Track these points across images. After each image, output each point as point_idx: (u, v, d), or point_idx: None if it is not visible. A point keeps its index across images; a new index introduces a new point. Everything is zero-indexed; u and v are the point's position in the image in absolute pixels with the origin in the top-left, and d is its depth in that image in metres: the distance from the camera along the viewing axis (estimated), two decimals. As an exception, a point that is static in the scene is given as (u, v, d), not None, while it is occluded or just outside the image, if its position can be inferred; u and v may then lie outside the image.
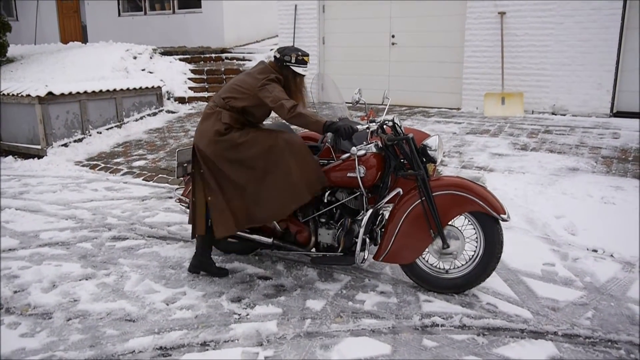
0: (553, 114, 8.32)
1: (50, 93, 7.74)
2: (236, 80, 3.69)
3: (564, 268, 3.92)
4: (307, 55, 3.69)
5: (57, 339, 3.06)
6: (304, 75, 3.70)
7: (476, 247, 3.48)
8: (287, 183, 3.49)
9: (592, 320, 3.20)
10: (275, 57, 3.67)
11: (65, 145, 7.97)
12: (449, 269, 3.58)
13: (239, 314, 3.31)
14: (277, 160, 3.51)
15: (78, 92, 8.14)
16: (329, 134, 3.56)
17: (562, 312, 3.30)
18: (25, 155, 8.02)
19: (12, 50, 12.00)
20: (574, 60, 8.06)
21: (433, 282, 3.57)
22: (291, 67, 3.61)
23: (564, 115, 8.22)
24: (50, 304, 3.46)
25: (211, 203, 3.61)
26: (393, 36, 9.76)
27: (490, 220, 3.38)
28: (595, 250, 4.19)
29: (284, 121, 3.85)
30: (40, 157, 7.78)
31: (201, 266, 3.86)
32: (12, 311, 3.39)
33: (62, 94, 7.91)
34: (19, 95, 7.85)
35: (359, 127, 3.41)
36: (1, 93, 8.14)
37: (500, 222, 3.37)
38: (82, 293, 3.61)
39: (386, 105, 3.84)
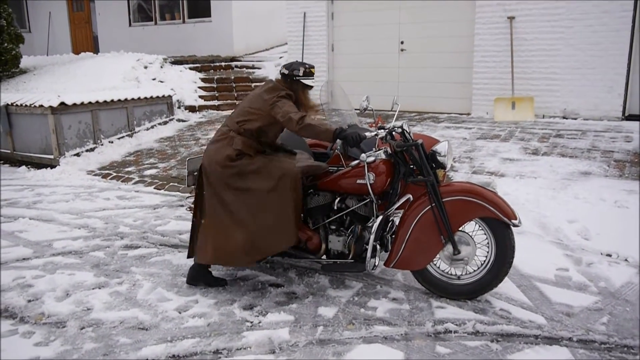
0: (564, 118, 8.27)
1: (62, 103, 7.83)
2: (247, 102, 3.71)
3: (578, 273, 3.89)
4: (314, 67, 3.75)
5: (70, 348, 3.08)
6: (312, 87, 3.74)
7: (488, 252, 3.47)
8: (283, 222, 3.51)
9: (608, 326, 3.17)
10: (283, 73, 3.69)
11: (78, 154, 8.06)
12: (461, 274, 3.56)
13: (251, 322, 3.32)
14: (280, 196, 3.51)
15: (90, 102, 8.22)
16: (338, 141, 3.57)
17: (576, 318, 3.27)
18: (38, 165, 8.11)
19: (25, 62, 12.15)
20: (584, 64, 8.01)
21: (445, 288, 3.55)
22: (301, 80, 3.65)
23: (575, 119, 8.16)
24: (64, 313, 3.48)
25: (204, 226, 3.69)
26: (402, 42, 9.77)
27: (501, 225, 3.36)
28: (609, 255, 4.15)
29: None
30: (53, 166, 7.87)
31: (198, 277, 3.84)
32: (26, 320, 3.42)
33: (74, 104, 8.00)
34: (32, 105, 7.94)
35: (367, 134, 3.41)
36: (15, 104, 8.24)
37: (512, 227, 3.35)
38: (95, 302, 3.63)
39: (395, 111, 3.84)
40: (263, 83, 3.87)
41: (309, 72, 3.67)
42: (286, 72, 3.67)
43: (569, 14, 8.00)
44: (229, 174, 3.55)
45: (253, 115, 3.60)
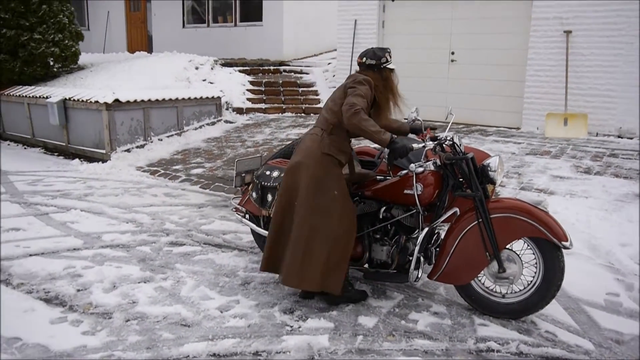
0: (619, 137, 7.99)
1: (116, 100, 8.08)
2: (331, 98, 3.56)
3: (629, 299, 3.75)
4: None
5: (116, 339, 3.16)
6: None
7: (535, 273, 3.38)
8: (321, 260, 3.37)
9: (660, 357, 3.04)
10: (369, 64, 3.51)
11: (128, 150, 8.29)
12: (506, 293, 3.48)
13: (291, 326, 3.33)
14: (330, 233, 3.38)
15: (142, 100, 8.46)
16: (386, 150, 3.55)
17: (627, 346, 3.15)
18: (91, 158, 8.39)
19: (83, 58, 12.60)
20: (643, 82, 7.73)
21: (488, 306, 3.48)
22: (388, 66, 3.53)
23: (631, 138, 7.88)
24: (111, 304, 3.58)
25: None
26: (453, 53, 9.66)
27: (550, 246, 3.27)
28: (663, 282, 3.98)
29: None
30: (104, 161, 8.12)
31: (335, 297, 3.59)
32: (75, 309, 3.53)
33: (128, 101, 8.25)
34: (88, 101, 8.23)
35: (414, 145, 3.36)
36: (72, 99, 8.56)
37: (562, 249, 3.26)
38: (141, 295, 3.72)
39: (449, 122, 3.78)
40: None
41: (391, 56, 3.57)
42: (373, 62, 3.49)
43: (630, 30, 7.74)
44: (311, 184, 3.39)
45: (334, 106, 3.44)
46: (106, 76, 10.85)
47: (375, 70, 3.52)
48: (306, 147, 3.49)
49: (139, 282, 3.95)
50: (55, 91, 9.24)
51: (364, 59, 3.54)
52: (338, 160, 3.47)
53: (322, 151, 3.42)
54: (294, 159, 3.54)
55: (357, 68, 3.64)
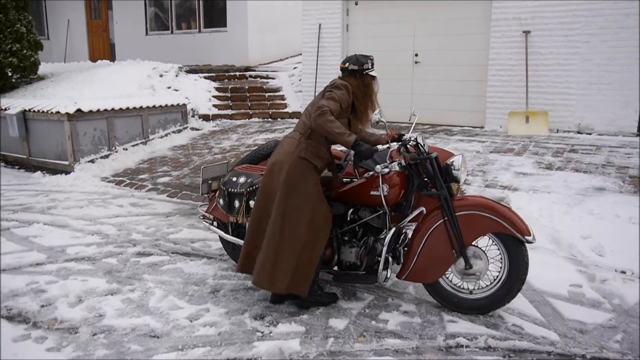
0: (578, 132, 8.22)
1: (78, 110, 7.93)
2: (312, 101, 3.58)
3: (592, 290, 3.85)
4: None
5: (82, 354, 3.09)
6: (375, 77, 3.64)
7: (501, 268, 3.44)
8: (293, 261, 3.38)
9: (622, 344, 3.13)
10: (352, 70, 3.54)
11: (92, 161, 8.13)
12: (473, 289, 3.54)
13: (262, 332, 3.32)
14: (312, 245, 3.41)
15: (105, 109, 8.32)
16: (351, 152, 3.57)
17: (590, 335, 3.24)
18: (53, 170, 8.20)
19: (43, 68, 12.29)
20: (600, 79, 7.97)
21: (457, 302, 3.53)
22: (370, 73, 3.56)
23: (590, 134, 8.11)
24: (77, 319, 3.51)
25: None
26: (416, 55, 9.78)
27: (514, 241, 3.34)
28: (623, 272, 4.11)
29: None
30: (67, 172, 7.95)
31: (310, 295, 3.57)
32: (39, 325, 3.44)
33: (90, 111, 8.09)
34: (49, 112, 8.05)
35: (379, 146, 3.41)
36: (32, 110, 8.35)
37: (526, 243, 3.33)
38: (108, 308, 3.65)
39: (412, 123, 3.84)
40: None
41: (373, 64, 3.59)
42: (356, 67, 3.52)
43: (586, 29, 7.97)
44: (284, 187, 3.40)
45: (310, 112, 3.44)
46: (68, 86, 10.62)
47: (357, 77, 3.55)
48: (283, 151, 3.51)
49: (105, 295, 3.88)
50: (14, 102, 9.01)
51: (347, 64, 3.57)
52: (313, 165, 3.47)
53: (298, 155, 3.43)
54: (270, 161, 3.57)
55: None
